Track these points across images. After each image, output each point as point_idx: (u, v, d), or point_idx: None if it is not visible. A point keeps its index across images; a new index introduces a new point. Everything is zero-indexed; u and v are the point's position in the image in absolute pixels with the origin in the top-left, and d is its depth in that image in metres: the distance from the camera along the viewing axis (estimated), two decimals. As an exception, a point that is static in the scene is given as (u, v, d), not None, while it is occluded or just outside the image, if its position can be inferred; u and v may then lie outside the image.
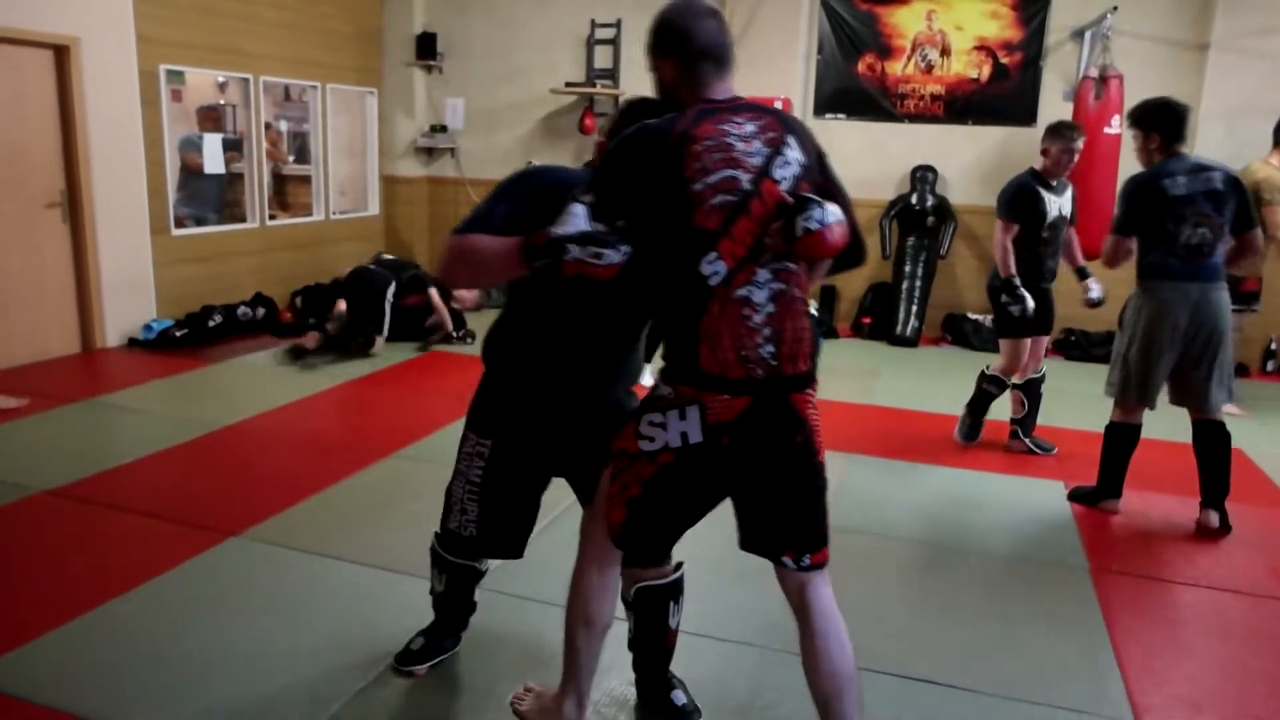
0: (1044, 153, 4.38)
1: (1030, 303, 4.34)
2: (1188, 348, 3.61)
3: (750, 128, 1.86)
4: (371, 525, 3.45)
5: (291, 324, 6.64)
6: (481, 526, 2.29)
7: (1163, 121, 3.63)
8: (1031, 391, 4.61)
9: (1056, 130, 4.37)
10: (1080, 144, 4.36)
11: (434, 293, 6.45)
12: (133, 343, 5.99)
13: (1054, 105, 6.80)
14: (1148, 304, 3.65)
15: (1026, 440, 4.65)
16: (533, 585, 2.90)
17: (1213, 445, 3.69)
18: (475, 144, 8.32)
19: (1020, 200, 4.35)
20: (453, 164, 8.43)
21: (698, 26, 1.90)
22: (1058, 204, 4.38)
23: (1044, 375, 4.63)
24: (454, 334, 6.43)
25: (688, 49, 1.90)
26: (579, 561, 2.09)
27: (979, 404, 4.71)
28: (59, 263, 5.61)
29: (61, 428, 4.50)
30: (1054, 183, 4.37)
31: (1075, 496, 4.00)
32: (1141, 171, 3.72)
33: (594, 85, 7.78)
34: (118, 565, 3.05)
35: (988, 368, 4.71)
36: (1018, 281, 4.34)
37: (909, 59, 7.17)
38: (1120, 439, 3.83)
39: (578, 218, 1.80)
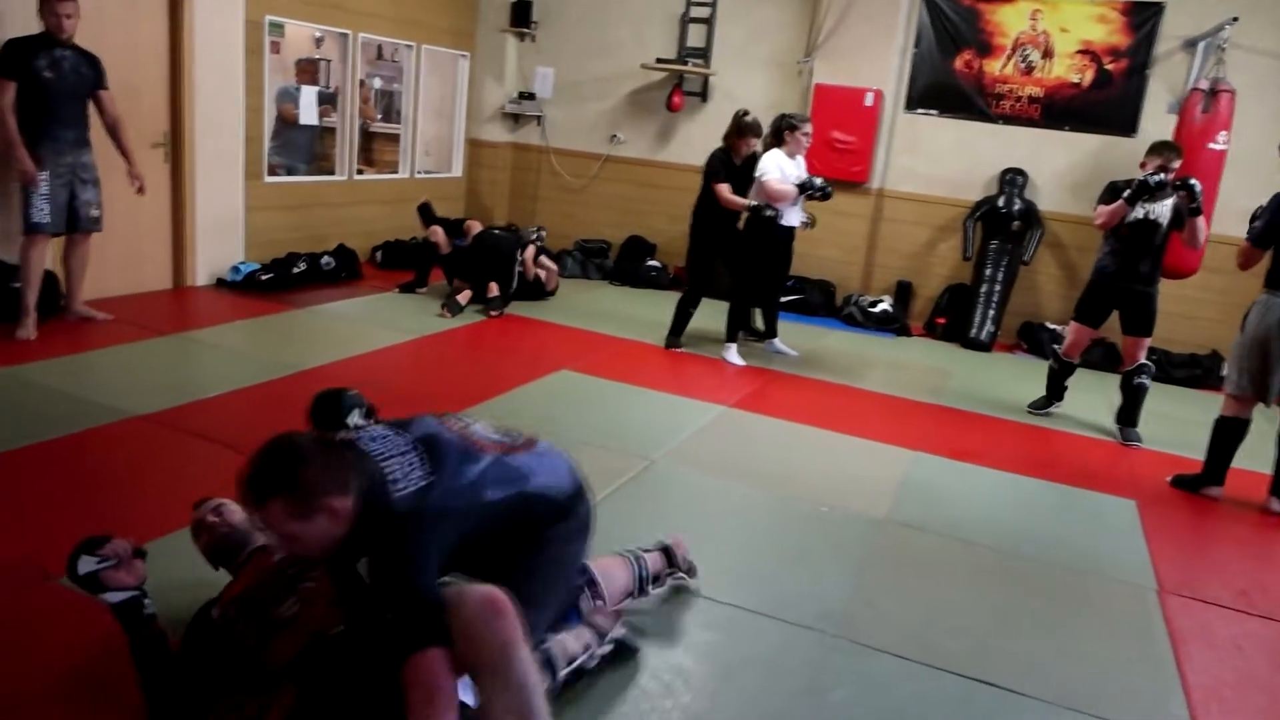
0: (1141, 166, 4.75)
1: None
2: None
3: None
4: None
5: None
6: None
7: None
8: (1124, 385, 4.94)
9: (1155, 149, 4.71)
10: (1176, 165, 4.63)
11: (530, 252, 6.77)
12: (220, 283, 6.19)
13: (1157, 116, 6.59)
14: (1270, 310, 3.95)
15: (1115, 426, 5.01)
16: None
17: None
18: (561, 114, 8.38)
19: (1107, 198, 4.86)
20: (538, 132, 8.50)
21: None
22: (1146, 209, 4.69)
23: (1135, 370, 4.88)
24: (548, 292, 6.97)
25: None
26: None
27: (1050, 380, 5.22)
28: (158, 201, 5.81)
29: (153, 359, 4.68)
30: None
31: (1178, 482, 4.26)
32: None
33: (685, 63, 7.76)
34: (199, 488, 3.17)
35: (1058, 346, 5.22)
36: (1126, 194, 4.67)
37: (1009, 59, 7.00)
38: (1228, 431, 4.12)
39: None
